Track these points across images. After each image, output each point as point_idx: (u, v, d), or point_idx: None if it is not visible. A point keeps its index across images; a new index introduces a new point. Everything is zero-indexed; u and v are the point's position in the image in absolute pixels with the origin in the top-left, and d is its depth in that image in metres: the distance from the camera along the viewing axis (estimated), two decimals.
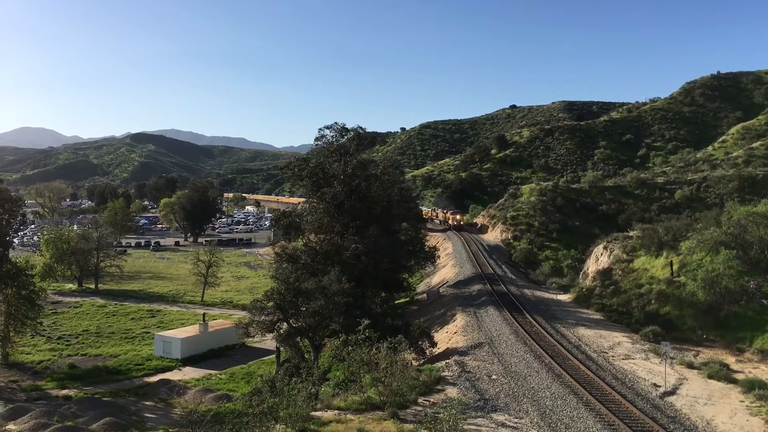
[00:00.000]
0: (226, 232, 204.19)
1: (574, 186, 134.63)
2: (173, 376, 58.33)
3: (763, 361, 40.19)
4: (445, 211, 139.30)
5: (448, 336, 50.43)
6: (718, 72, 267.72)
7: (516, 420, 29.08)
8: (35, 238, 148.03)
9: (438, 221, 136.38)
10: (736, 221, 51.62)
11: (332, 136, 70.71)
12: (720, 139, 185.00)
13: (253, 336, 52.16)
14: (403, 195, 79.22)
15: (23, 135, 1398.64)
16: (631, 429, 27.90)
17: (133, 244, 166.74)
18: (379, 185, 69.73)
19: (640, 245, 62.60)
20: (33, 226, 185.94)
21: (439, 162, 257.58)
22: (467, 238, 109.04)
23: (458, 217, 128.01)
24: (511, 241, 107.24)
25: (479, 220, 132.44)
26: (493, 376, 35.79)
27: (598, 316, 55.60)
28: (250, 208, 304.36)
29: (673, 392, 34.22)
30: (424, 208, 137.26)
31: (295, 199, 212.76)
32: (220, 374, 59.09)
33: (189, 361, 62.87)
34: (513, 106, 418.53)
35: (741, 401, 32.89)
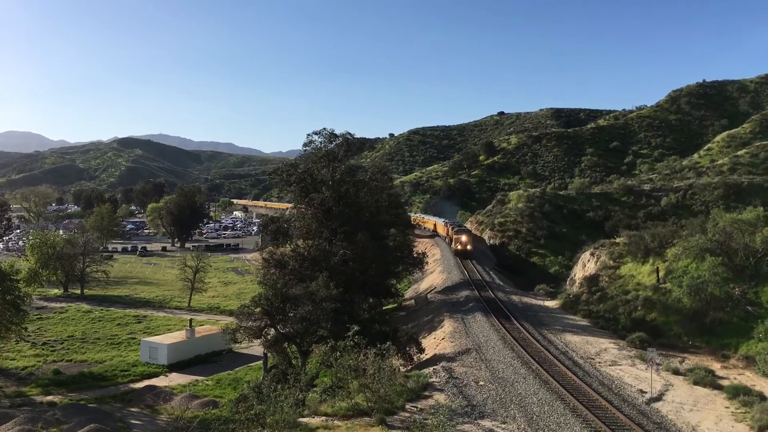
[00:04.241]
0: (214, 238, 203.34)
1: (561, 193, 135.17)
2: (159, 382, 57.88)
3: (748, 368, 40.50)
4: (448, 226, 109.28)
5: (435, 342, 50.44)
6: (704, 80, 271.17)
7: (503, 426, 29.12)
8: (20, 242, 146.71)
9: (425, 229, 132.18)
10: (721, 228, 52.04)
11: (321, 142, 70.73)
12: (705, 147, 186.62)
13: (240, 342, 51.93)
14: (392, 201, 79.27)
15: (9, 139, 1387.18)
16: None
17: (119, 249, 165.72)
18: (367, 191, 69.77)
19: (627, 252, 62.97)
20: (18, 230, 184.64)
21: (428, 168, 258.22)
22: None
23: (464, 238, 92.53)
24: (499, 247, 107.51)
25: (469, 227, 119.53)
26: (481, 382, 35.83)
27: (585, 322, 55.83)
28: (237, 214, 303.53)
29: (659, 398, 34.41)
30: (412, 214, 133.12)
31: (283, 205, 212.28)
32: (207, 380, 58.68)
33: (175, 367, 62.41)
34: (501, 113, 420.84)
35: (726, 407, 33.12)
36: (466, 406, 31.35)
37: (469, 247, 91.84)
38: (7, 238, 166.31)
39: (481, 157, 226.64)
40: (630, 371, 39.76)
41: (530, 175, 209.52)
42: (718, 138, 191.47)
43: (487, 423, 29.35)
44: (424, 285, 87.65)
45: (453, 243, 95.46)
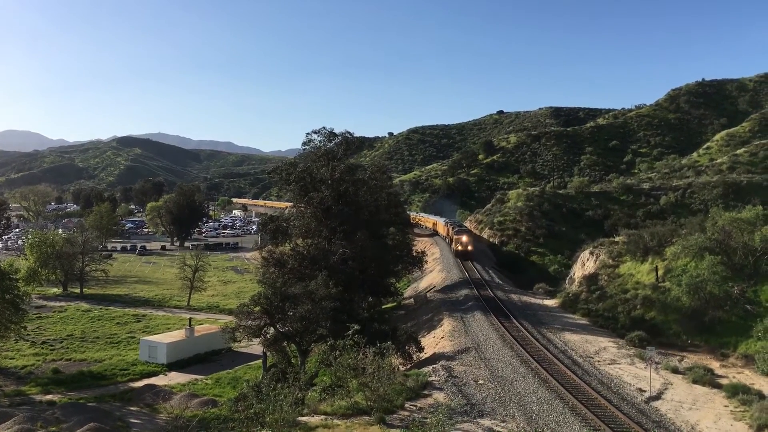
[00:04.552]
0: (213, 237, 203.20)
1: (560, 191, 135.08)
2: (159, 381, 57.90)
3: (746, 366, 40.52)
4: (449, 225, 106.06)
5: (435, 341, 50.46)
6: (703, 79, 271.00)
7: (503, 425, 29.14)
8: (20, 241, 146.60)
9: (424, 228, 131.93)
10: (720, 227, 52.07)
11: (320, 141, 70.77)
12: (705, 146, 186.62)
13: (240, 341, 51.93)
14: (391, 200, 79.26)
15: (8, 138, 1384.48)
16: None
17: (118, 248, 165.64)
18: (366, 190, 69.75)
19: (626, 251, 62.98)
20: (17, 229, 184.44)
21: (427, 167, 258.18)
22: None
23: (464, 239, 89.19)
24: (498, 246, 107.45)
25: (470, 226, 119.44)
26: (480, 381, 35.85)
27: (584, 321, 55.85)
28: (237, 213, 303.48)
29: (658, 397, 34.43)
30: (411, 213, 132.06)
31: (282, 204, 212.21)
32: (206, 379, 58.71)
33: (175, 366, 62.42)
34: (500, 112, 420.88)
35: (725, 406, 33.14)
36: (465, 405, 31.37)
37: (470, 247, 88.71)
38: (6, 237, 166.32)
39: (481, 156, 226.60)
40: (629, 370, 39.77)
41: (529, 174, 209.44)
42: (717, 137, 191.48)
43: (486, 422, 29.38)
44: (423, 284, 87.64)
45: (453, 244, 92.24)
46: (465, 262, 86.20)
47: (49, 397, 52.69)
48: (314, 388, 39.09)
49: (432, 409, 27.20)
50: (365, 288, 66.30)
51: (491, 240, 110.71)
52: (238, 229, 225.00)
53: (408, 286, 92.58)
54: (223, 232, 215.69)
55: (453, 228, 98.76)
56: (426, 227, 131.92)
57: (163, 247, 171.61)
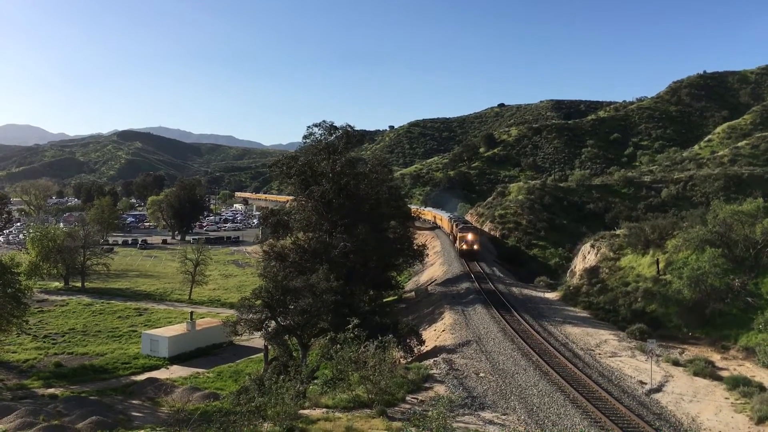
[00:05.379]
0: (214, 230, 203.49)
1: (561, 185, 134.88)
2: (160, 374, 58.09)
3: (747, 359, 40.53)
4: (452, 222, 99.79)
5: (436, 334, 50.51)
6: (705, 72, 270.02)
7: (503, 417, 29.20)
8: (21, 236, 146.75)
9: (425, 221, 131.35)
10: (721, 220, 51.96)
11: (321, 134, 70.81)
12: (706, 139, 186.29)
13: (241, 334, 52.12)
14: (392, 193, 79.26)
15: (9, 132, 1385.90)
16: (617, 426, 28.08)
17: (120, 242, 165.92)
18: (367, 183, 69.77)
19: (627, 244, 62.92)
20: (19, 224, 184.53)
21: (428, 160, 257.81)
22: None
23: (470, 237, 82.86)
24: (499, 239, 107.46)
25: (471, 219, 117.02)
26: (481, 374, 35.91)
27: (585, 314, 55.86)
28: (238, 206, 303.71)
29: (658, 389, 34.45)
30: (412, 207, 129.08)
31: (283, 197, 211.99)
32: (208, 373, 58.89)
33: (176, 359, 62.65)
34: (501, 105, 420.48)
35: (726, 398, 33.16)
36: (466, 398, 31.42)
37: (476, 246, 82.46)
38: (7, 231, 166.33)
39: (482, 149, 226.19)
40: (630, 362, 39.81)
41: (530, 167, 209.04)
42: (718, 129, 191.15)
43: (487, 414, 29.44)
44: (424, 277, 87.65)
45: (458, 242, 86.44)
46: (470, 262, 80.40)
47: (51, 390, 52.88)
48: (315, 381, 39.15)
49: (433, 402, 27.26)
50: (366, 281, 66.40)
51: (492, 233, 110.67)
52: (239, 223, 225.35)
53: (409, 280, 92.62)
54: (224, 226, 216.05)
55: (457, 225, 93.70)
56: (427, 220, 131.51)
57: (165, 241, 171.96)
